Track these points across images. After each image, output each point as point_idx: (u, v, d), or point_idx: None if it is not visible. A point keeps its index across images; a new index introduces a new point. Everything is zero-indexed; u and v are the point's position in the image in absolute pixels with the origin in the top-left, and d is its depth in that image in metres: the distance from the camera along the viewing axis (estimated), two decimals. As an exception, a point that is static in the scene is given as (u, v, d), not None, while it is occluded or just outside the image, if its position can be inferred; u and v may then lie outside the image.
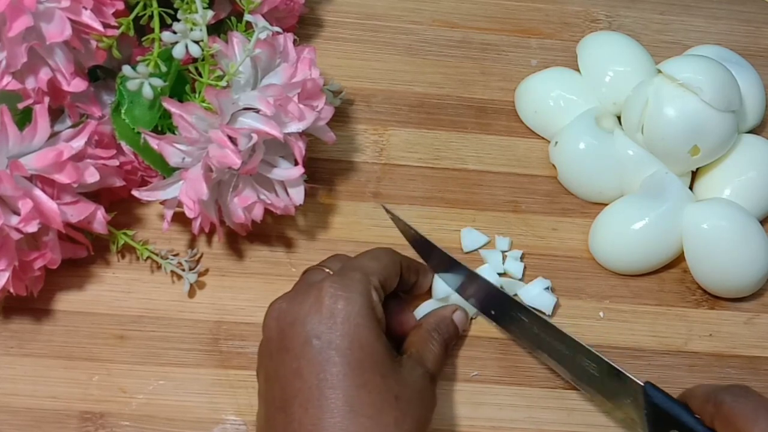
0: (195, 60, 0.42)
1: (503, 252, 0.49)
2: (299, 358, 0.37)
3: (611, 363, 0.41)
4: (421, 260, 0.48)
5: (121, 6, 0.43)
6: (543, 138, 0.54)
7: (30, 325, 0.46)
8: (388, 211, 0.50)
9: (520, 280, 0.49)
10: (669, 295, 0.50)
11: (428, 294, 0.47)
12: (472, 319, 0.48)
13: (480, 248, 0.50)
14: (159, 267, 0.47)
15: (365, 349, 0.37)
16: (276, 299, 0.40)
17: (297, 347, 0.37)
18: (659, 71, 0.51)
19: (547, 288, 0.48)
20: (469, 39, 0.58)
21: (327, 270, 0.42)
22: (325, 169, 0.52)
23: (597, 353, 0.42)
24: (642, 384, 0.40)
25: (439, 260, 0.47)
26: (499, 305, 0.46)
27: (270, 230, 0.49)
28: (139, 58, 0.43)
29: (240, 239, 0.49)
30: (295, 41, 0.45)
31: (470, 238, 0.50)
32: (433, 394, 0.40)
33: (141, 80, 0.41)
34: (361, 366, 0.36)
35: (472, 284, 0.46)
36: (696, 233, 0.48)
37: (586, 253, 0.50)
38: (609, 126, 0.52)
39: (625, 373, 0.41)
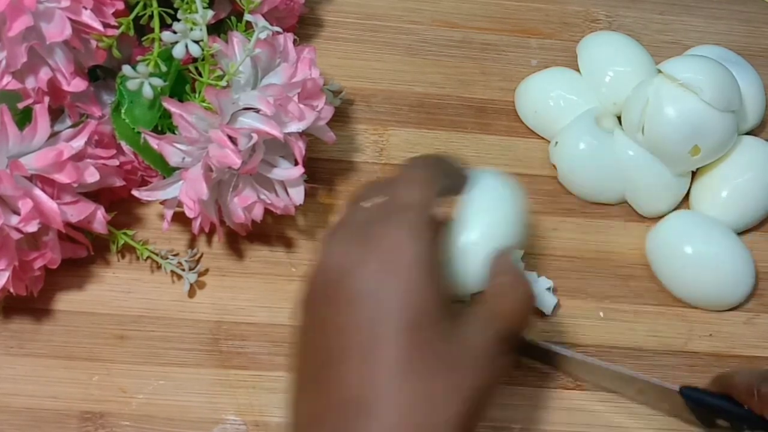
0: (195, 60, 0.42)
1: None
2: (343, 314, 0.33)
3: (643, 378, 0.43)
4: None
5: (121, 6, 0.43)
6: (543, 138, 0.54)
7: (30, 325, 0.46)
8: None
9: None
10: (669, 295, 0.50)
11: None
12: None
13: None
14: (159, 267, 0.47)
15: (419, 307, 0.32)
16: (331, 233, 0.36)
17: (342, 303, 0.33)
18: (659, 71, 0.51)
19: (549, 288, 0.48)
20: (469, 39, 0.58)
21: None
22: (325, 169, 0.52)
23: (630, 373, 0.44)
24: (678, 390, 0.42)
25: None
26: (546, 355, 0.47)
27: (270, 230, 0.49)
28: (139, 58, 0.43)
29: (240, 239, 0.49)
30: (295, 41, 0.45)
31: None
32: (501, 357, 0.34)
33: (141, 80, 0.41)
34: (413, 326, 0.32)
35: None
36: (673, 255, 0.49)
37: (586, 253, 0.50)
38: (609, 126, 0.52)
39: (660, 384, 0.43)
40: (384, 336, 0.32)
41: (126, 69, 0.41)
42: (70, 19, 0.40)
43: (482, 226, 0.39)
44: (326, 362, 0.33)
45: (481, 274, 0.38)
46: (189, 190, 0.42)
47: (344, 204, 0.39)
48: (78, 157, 0.42)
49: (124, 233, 0.46)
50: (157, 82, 0.41)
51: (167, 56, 0.42)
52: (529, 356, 0.46)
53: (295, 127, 0.43)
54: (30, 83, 0.41)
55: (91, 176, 0.42)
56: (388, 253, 0.33)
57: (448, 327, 0.33)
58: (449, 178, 0.39)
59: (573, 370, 0.46)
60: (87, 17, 0.41)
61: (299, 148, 0.43)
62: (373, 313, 0.32)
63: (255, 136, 0.41)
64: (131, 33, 0.43)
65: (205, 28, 0.41)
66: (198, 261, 0.48)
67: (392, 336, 0.32)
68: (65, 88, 0.42)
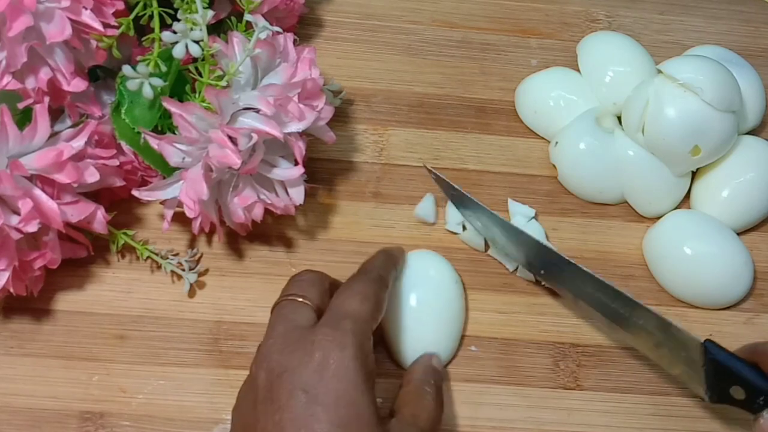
0: (195, 60, 0.42)
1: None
2: (283, 410, 0.35)
3: (670, 321, 0.41)
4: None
5: (121, 6, 0.43)
6: (543, 138, 0.54)
7: (30, 325, 0.46)
8: (430, 171, 0.51)
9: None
10: (668, 295, 0.50)
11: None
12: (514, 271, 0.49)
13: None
14: (159, 267, 0.47)
15: (351, 409, 0.35)
16: (265, 343, 0.38)
17: (282, 399, 0.35)
18: (659, 71, 0.51)
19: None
20: (469, 39, 0.58)
21: (304, 301, 0.40)
22: (325, 169, 0.52)
23: (655, 311, 0.42)
24: (701, 341, 0.40)
25: (487, 221, 0.48)
26: (551, 267, 0.46)
27: (270, 230, 0.49)
28: (139, 58, 0.43)
29: (240, 239, 0.49)
30: (295, 41, 0.45)
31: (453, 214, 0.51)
32: None
33: (141, 80, 0.41)
34: (345, 426, 0.34)
35: (524, 245, 0.47)
36: (671, 254, 0.49)
37: (585, 252, 0.50)
38: (609, 126, 0.52)
39: (684, 330, 0.41)
40: None
41: (126, 69, 0.41)
42: (70, 19, 0.40)
43: (416, 304, 0.46)
44: None
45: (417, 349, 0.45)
46: (189, 190, 0.42)
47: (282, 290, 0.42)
48: (78, 157, 0.42)
49: (124, 233, 0.46)
50: (157, 82, 0.41)
51: (167, 56, 0.42)
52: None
53: (295, 127, 0.43)
54: (30, 83, 0.41)
55: (91, 176, 0.42)
56: (327, 356, 0.36)
57: (378, 429, 0.35)
58: (388, 285, 0.42)
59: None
60: (87, 17, 0.41)
61: (299, 148, 0.43)
62: (310, 411, 0.34)
63: (255, 136, 0.41)
64: (131, 33, 0.43)
65: (205, 28, 0.41)
66: (198, 261, 0.48)
67: None
68: (65, 88, 0.42)
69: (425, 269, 0.47)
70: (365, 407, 0.35)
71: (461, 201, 0.49)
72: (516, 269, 0.49)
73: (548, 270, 0.47)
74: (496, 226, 0.48)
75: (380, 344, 0.46)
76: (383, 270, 0.43)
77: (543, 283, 0.48)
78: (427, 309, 0.46)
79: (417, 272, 0.46)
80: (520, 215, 0.50)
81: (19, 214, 0.40)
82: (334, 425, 0.34)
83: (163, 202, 0.45)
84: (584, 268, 0.45)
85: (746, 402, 0.40)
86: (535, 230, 0.50)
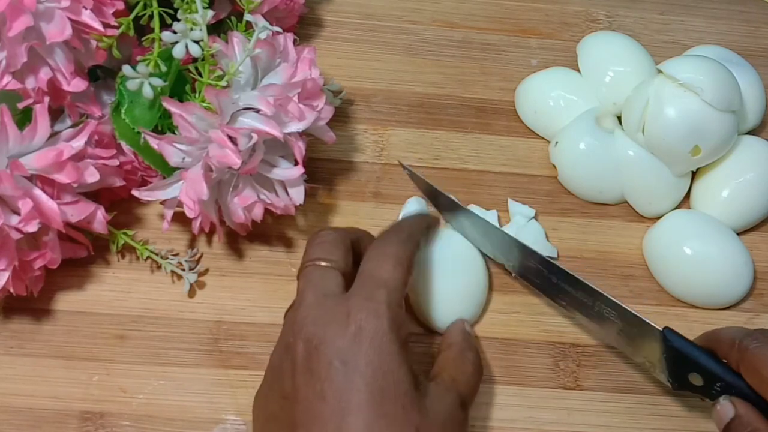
0: (195, 60, 0.42)
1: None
2: (323, 380, 0.36)
3: (629, 309, 0.42)
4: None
5: (121, 6, 0.43)
6: (543, 138, 0.54)
7: (30, 325, 0.46)
8: (405, 168, 0.51)
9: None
10: (669, 296, 0.50)
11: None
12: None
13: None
14: (159, 267, 0.47)
15: (388, 378, 0.36)
16: (297, 311, 0.38)
17: (322, 371, 0.36)
18: (659, 71, 0.51)
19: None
20: (469, 39, 0.58)
21: (329, 265, 0.40)
22: (325, 169, 0.52)
23: (615, 300, 0.43)
24: (660, 329, 0.41)
25: (459, 215, 0.49)
26: (516, 256, 0.47)
27: (270, 230, 0.49)
28: (139, 58, 0.43)
29: (240, 239, 0.49)
30: (295, 41, 0.45)
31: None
32: (462, 422, 0.39)
33: (141, 80, 0.41)
34: (383, 395, 0.35)
35: (492, 238, 0.47)
36: (671, 254, 0.49)
37: (585, 252, 0.51)
38: (609, 126, 0.52)
39: (643, 318, 0.42)
40: (355, 405, 0.35)
41: (126, 69, 0.41)
42: (70, 19, 0.40)
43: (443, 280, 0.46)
44: (304, 425, 0.35)
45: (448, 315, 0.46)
46: (189, 190, 0.42)
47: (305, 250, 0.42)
48: (78, 157, 0.42)
49: (124, 233, 0.46)
50: (157, 82, 0.41)
51: (167, 56, 0.42)
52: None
53: (295, 127, 0.43)
54: (30, 83, 0.41)
55: (91, 176, 0.42)
56: (362, 328, 0.36)
57: (415, 396, 0.36)
58: (419, 247, 0.42)
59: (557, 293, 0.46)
60: (87, 17, 0.41)
61: (299, 148, 0.43)
62: (347, 381, 0.35)
63: (255, 136, 0.41)
64: (131, 33, 0.43)
65: (205, 28, 0.41)
66: (198, 261, 0.48)
67: (363, 405, 0.35)
68: (65, 88, 0.42)
69: (447, 242, 0.48)
70: (402, 375, 0.36)
71: (438, 200, 0.50)
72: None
73: (517, 263, 0.47)
74: (468, 219, 0.49)
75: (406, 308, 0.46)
76: (416, 229, 0.43)
77: (513, 275, 0.48)
78: (453, 276, 0.47)
79: (440, 245, 0.47)
80: (520, 215, 0.51)
81: (19, 214, 0.40)
82: (373, 394, 0.35)
83: (163, 202, 0.45)
84: (549, 259, 0.45)
85: (704, 388, 0.40)
86: (535, 230, 0.50)
